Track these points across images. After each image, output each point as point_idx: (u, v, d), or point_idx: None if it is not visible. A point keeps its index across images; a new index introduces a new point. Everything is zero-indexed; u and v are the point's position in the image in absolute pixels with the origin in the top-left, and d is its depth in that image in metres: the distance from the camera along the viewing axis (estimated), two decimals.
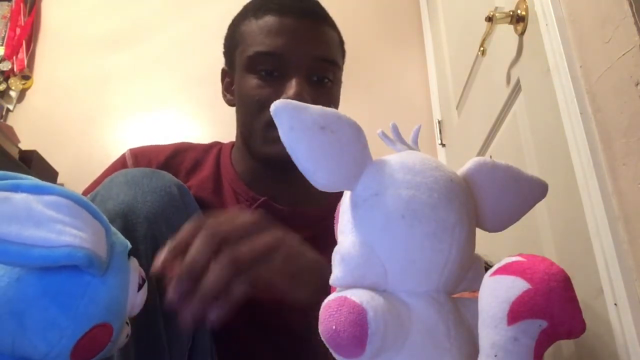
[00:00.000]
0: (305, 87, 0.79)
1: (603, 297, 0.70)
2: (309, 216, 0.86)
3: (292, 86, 0.78)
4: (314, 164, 0.42)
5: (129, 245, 0.48)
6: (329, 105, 0.82)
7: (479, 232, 0.51)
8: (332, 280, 0.41)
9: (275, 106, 0.42)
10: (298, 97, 0.77)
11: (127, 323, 0.48)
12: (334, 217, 0.73)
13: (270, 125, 0.79)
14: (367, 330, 0.37)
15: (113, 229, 0.47)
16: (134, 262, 0.49)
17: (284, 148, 0.77)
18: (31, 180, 0.43)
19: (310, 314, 0.49)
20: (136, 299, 0.48)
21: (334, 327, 0.37)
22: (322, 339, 0.39)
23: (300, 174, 0.89)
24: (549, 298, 0.37)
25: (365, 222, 0.42)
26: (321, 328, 0.38)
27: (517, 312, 0.37)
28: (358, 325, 0.37)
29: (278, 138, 0.78)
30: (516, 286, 0.38)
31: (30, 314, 0.42)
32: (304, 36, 0.81)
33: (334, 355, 0.39)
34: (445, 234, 0.42)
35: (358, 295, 0.38)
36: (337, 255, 0.42)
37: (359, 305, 0.38)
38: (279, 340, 0.81)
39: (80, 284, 0.43)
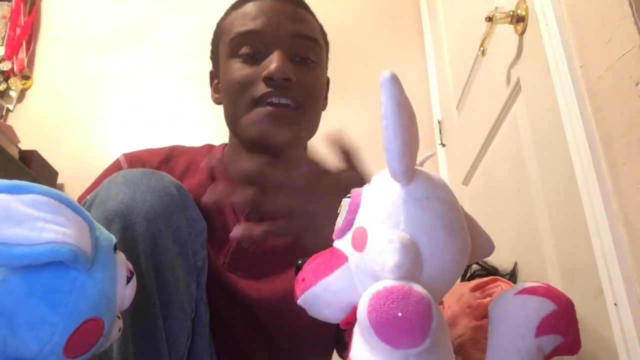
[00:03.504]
0: (287, 63, 0.78)
1: (603, 297, 0.70)
2: None
3: (274, 60, 0.77)
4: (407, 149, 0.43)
5: (114, 239, 0.48)
6: (312, 84, 0.83)
7: None
8: (392, 267, 0.40)
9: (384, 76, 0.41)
10: (280, 70, 0.76)
11: (118, 317, 0.48)
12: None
13: (254, 103, 0.78)
14: (432, 322, 0.38)
15: (96, 223, 0.47)
16: (120, 256, 0.49)
17: (270, 126, 0.77)
18: (8, 180, 0.43)
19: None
20: (125, 293, 0.48)
21: (399, 314, 0.38)
22: (370, 325, 0.38)
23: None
24: (570, 320, 0.45)
25: (415, 221, 0.43)
26: (376, 314, 0.38)
27: (545, 327, 0.44)
28: (426, 316, 0.38)
29: (263, 117, 0.77)
30: (545, 306, 0.45)
31: (19, 314, 0.42)
32: (282, 15, 0.81)
33: (385, 343, 0.38)
34: (466, 253, 0.45)
35: (419, 288, 0.40)
36: (396, 244, 0.41)
37: (427, 297, 0.39)
38: (275, 339, 0.81)
39: (67, 280, 0.43)
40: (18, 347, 0.42)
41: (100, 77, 2.00)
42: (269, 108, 0.77)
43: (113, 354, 0.59)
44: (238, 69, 0.80)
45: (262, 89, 0.77)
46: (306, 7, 0.87)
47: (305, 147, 0.89)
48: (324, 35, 0.90)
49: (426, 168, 0.48)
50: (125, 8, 2.10)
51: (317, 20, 0.88)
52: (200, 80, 1.84)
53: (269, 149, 0.81)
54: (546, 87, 0.90)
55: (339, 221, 0.48)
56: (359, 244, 0.44)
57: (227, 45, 0.82)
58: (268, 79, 0.77)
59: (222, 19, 0.88)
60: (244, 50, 0.80)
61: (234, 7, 0.85)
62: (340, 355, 0.91)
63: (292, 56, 0.80)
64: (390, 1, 2.07)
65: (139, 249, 0.62)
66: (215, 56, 0.89)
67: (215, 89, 0.90)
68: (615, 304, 0.67)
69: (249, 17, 0.81)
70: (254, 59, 0.80)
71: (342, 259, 0.46)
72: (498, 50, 1.19)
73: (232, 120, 0.83)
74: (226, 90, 0.83)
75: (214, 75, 0.91)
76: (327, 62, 0.90)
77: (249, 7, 0.82)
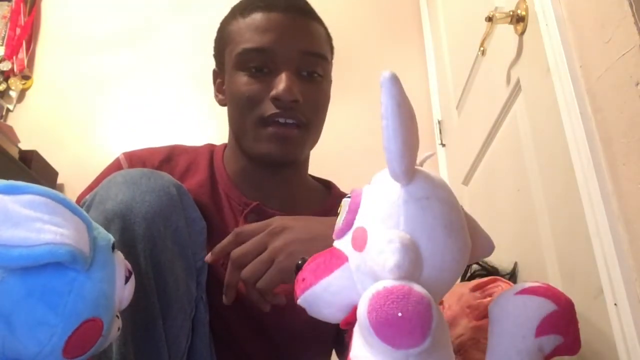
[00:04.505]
0: (295, 82, 0.79)
1: (603, 297, 0.70)
2: None
3: (282, 80, 0.78)
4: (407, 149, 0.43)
5: (112, 239, 0.48)
6: (318, 101, 0.83)
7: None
8: (392, 267, 0.40)
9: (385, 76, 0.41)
10: (288, 92, 0.77)
11: (117, 317, 0.48)
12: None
13: (262, 121, 0.79)
14: (432, 322, 0.38)
15: (94, 223, 0.47)
16: (118, 255, 0.49)
17: (275, 147, 0.78)
18: (5, 181, 0.43)
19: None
20: (124, 292, 0.48)
21: (399, 314, 0.38)
22: (370, 325, 0.38)
23: (290, 173, 0.89)
24: (570, 320, 0.45)
25: (415, 221, 0.43)
26: (376, 314, 0.38)
27: (545, 327, 0.44)
28: (426, 316, 0.38)
29: (270, 136, 0.79)
30: (546, 306, 0.45)
31: (17, 315, 0.42)
32: (291, 31, 0.81)
33: (385, 343, 0.38)
34: (466, 253, 0.45)
35: (419, 288, 0.40)
36: (396, 244, 0.41)
37: (427, 297, 0.39)
38: (275, 339, 0.81)
39: (65, 281, 0.43)
40: (17, 348, 0.42)
41: (100, 77, 2.00)
42: (275, 129, 0.78)
43: (112, 354, 0.59)
44: (245, 84, 0.80)
45: (269, 108, 0.78)
46: (315, 17, 0.87)
47: (307, 156, 0.89)
48: (330, 42, 0.89)
49: (426, 168, 0.48)
50: (125, 8, 2.10)
51: (324, 27, 0.88)
52: (200, 80, 1.84)
53: (268, 163, 0.82)
54: (546, 87, 0.90)
55: (339, 221, 0.48)
56: (359, 244, 0.44)
57: (234, 57, 0.82)
58: (276, 99, 0.78)
59: (228, 22, 0.87)
60: (252, 64, 0.80)
61: (241, 13, 0.84)
62: (339, 355, 0.91)
63: (300, 71, 0.81)
64: (390, 1, 2.07)
65: (138, 249, 0.62)
66: (219, 59, 0.89)
67: (218, 89, 0.90)
68: (615, 304, 0.67)
69: (258, 31, 0.80)
70: (262, 72, 0.80)
71: (342, 259, 0.46)
72: (498, 50, 1.19)
73: (238, 133, 0.84)
74: (233, 102, 0.83)
75: (217, 75, 0.91)
76: (332, 67, 0.90)
77: (258, 18, 0.82)
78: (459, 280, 0.78)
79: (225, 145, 0.92)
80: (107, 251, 0.47)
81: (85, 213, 0.46)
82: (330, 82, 0.88)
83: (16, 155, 1.64)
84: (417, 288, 0.39)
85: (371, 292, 0.40)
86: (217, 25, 0.90)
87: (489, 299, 0.82)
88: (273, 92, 0.78)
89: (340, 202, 0.50)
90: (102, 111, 1.96)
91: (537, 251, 0.96)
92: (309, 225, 0.68)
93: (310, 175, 0.96)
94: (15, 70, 1.99)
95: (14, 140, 1.69)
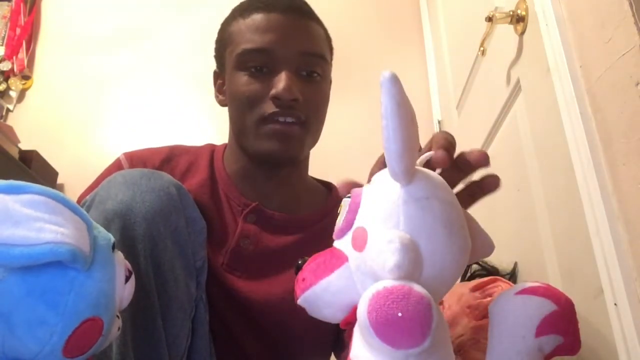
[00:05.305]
0: (295, 81, 0.79)
1: (603, 297, 0.70)
2: (300, 220, 0.86)
3: (282, 79, 0.78)
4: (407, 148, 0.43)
5: (112, 238, 0.48)
6: (318, 100, 0.83)
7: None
8: (392, 267, 0.40)
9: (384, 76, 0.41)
10: (287, 91, 0.77)
11: (117, 316, 0.48)
12: (323, 220, 0.72)
13: (262, 120, 0.79)
14: (432, 322, 0.38)
15: (94, 223, 0.47)
16: (118, 255, 0.49)
17: (276, 144, 0.78)
18: (5, 181, 0.43)
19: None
20: (124, 292, 0.48)
21: (399, 314, 0.38)
22: (370, 325, 0.38)
23: (290, 173, 0.89)
24: (570, 320, 0.45)
25: (414, 221, 0.43)
26: (376, 314, 0.38)
27: (545, 327, 0.44)
28: (426, 316, 0.38)
29: (270, 133, 0.79)
30: (546, 306, 0.45)
31: (17, 314, 0.42)
32: (291, 31, 0.82)
33: (385, 343, 0.38)
34: (466, 252, 0.45)
35: (419, 288, 0.40)
36: (396, 244, 0.41)
37: (427, 297, 0.39)
38: (274, 339, 0.81)
39: (65, 280, 0.43)
40: (17, 347, 0.42)
41: (100, 77, 2.00)
42: (275, 126, 0.79)
43: (112, 354, 0.59)
44: (246, 83, 0.80)
45: (269, 107, 0.78)
46: (314, 18, 0.87)
47: (307, 156, 0.90)
48: (330, 43, 0.90)
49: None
50: (125, 8, 2.10)
51: (323, 28, 0.88)
52: (200, 80, 1.84)
53: (269, 162, 0.82)
54: (546, 87, 0.90)
55: (339, 221, 0.48)
56: (359, 244, 0.44)
57: (235, 58, 0.82)
58: (275, 98, 0.78)
59: (228, 23, 0.87)
60: (252, 64, 0.81)
61: (241, 14, 0.84)
62: (336, 355, 0.91)
63: (299, 71, 0.81)
64: (390, 1, 2.07)
65: (138, 249, 0.62)
66: (220, 60, 0.89)
67: (219, 89, 0.90)
68: (615, 304, 0.67)
69: (258, 32, 0.81)
70: (262, 72, 0.80)
71: (342, 259, 0.46)
72: (498, 50, 1.19)
73: (239, 132, 0.84)
74: (233, 102, 0.84)
75: (217, 76, 0.91)
76: (331, 68, 0.90)
77: (257, 19, 0.82)
78: (459, 280, 0.78)
79: (225, 146, 0.92)
80: (107, 251, 0.47)
81: (85, 213, 0.46)
82: (329, 82, 0.88)
83: (16, 155, 1.64)
84: (417, 288, 0.39)
85: (371, 292, 0.40)
86: (218, 26, 0.90)
87: (489, 299, 0.82)
88: (273, 91, 0.78)
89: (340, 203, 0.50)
90: (102, 111, 1.96)
91: (537, 251, 0.96)
92: None
93: (311, 177, 0.96)
94: (15, 70, 1.99)
95: (14, 140, 1.69)
